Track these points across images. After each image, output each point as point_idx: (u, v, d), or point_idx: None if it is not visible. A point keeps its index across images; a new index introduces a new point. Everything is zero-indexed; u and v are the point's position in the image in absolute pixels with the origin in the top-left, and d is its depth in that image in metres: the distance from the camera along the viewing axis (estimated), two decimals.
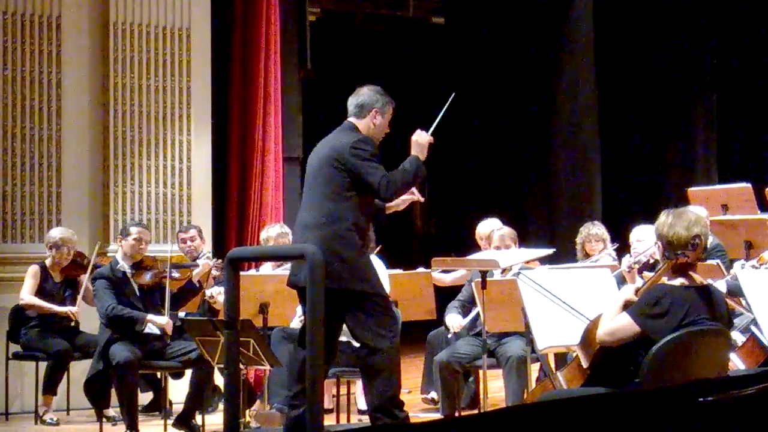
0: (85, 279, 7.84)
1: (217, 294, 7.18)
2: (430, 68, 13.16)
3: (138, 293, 7.15)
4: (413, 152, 5.69)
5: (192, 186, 8.88)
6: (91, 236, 8.50)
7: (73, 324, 7.78)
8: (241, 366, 6.04)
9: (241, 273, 3.89)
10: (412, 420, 6.00)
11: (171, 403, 7.63)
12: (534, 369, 6.89)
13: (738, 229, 7.62)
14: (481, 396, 6.83)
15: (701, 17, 12.44)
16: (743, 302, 5.84)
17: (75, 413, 8.02)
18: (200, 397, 7.04)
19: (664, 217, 4.75)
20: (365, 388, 5.69)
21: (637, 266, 6.73)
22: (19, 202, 8.40)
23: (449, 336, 7.28)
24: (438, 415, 7.15)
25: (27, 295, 7.81)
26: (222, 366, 6.26)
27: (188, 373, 7.29)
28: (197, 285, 7.41)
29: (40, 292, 7.83)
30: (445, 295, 7.88)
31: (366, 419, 7.32)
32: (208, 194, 9.01)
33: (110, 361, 6.83)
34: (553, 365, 7.06)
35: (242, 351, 5.79)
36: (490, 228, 7.69)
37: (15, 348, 7.91)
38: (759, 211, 8.08)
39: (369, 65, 12.81)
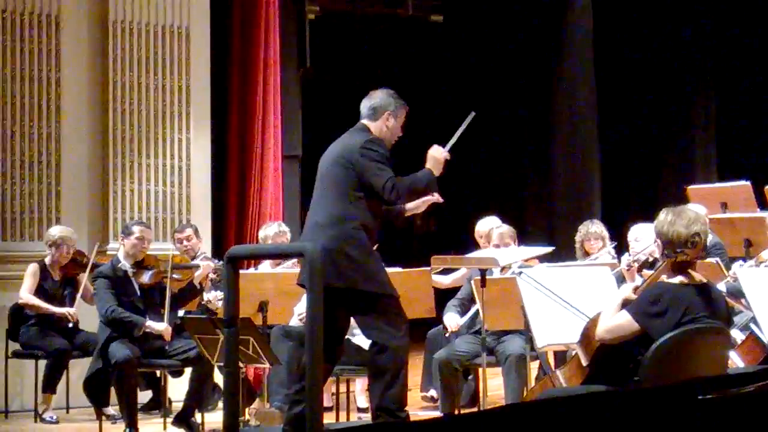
0: (84, 278, 7.84)
1: (214, 299, 7.17)
2: (428, 66, 13.16)
3: (139, 293, 7.14)
4: (428, 166, 5.68)
5: (191, 184, 8.88)
6: (91, 235, 8.50)
7: (71, 325, 7.78)
8: (241, 364, 6.04)
9: (241, 271, 3.89)
10: (412, 418, 6.00)
11: (170, 402, 7.63)
12: (533, 367, 6.90)
13: (737, 228, 7.63)
14: (481, 394, 6.83)
15: (701, 17, 12.44)
16: (743, 302, 5.85)
17: (74, 411, 8.02)
18: (200, 396, 7.04)
19: (664, 216, 4.75)
20: (371, 385, 5.69)
21: (636, 265, 6.74)
22: (18, 200, 8.40)
23: (446, 335, 7.29)
24: (437, 413, 7.15)
25: (26, 294, 7.80)
26: (221, 364, 6.26)
27: (188, 371, 7.29)
28: (198, 287, 7.41)
29: (40, 290, 7.83)
30: (444, 293, 7.88)
31: (365, 417, 7.33)
32: (207, 193, 9.01)
33: (109, 359, 6.83)
34: (552, 363, 7.06)
35: (242, 349, 5.79)
36: (490, 226, 7.69)
37: (15, 346, 7.91)
38: (758, 210, 8.08)
39: (368, 63, 12.82)
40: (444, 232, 14.16)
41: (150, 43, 8.76)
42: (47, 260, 7.91)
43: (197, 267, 7.41)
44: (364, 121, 5.73)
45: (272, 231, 7.87)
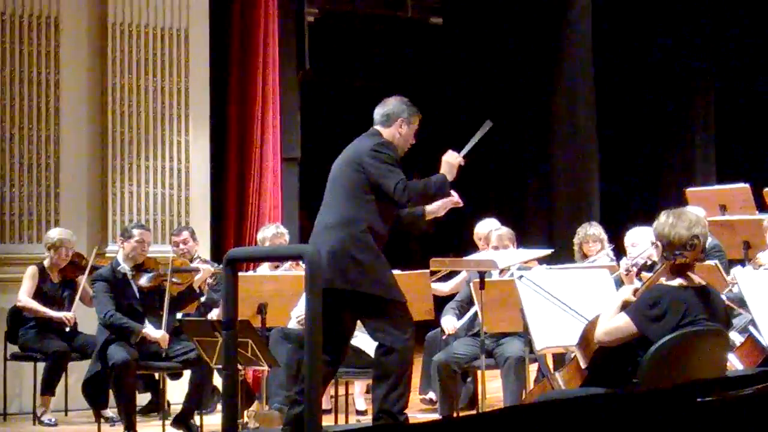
0: (83, 280, 7.83)
1: (217, 317, 7.19)
2: (428, 68, 13.15)
3: (138, 295, 7.14)
4: (442, 171, 5.67)
5: (190, 187, 8.88)
6: (90, 237, 8.50)
7: (68, 329, 7.77)
8: (239, 366, 6.04)
9: (240, 273, 3.89)
10: (410, 421, 5.99)
11: (169, 404, 7.62)
12: (532, 369, 6.89)
13: (736, 230, 7.63)
14: (479, 396, 6.83)
15: (701, 17, 12.44)
16: (745, 309, 5.84)
17: (73, 414, 8.02)
18: (198, 398, 7.03)
19: (665, 218, 4.75)
20: (374, 387, 5.68)
21: (635, 269, 6.72)
22: (17, 202, 8.40)
23: (444, 338, 7.28)
24: (436, 416, 7.15)
25: (24, 296, 7.80)
26: (220, 366, 6.26)
27: (186, 373, 7.29)
28: (198, 291, 7.40)
29: (39, 293, 7.83)
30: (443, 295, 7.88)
31: (364, 420, 7.33)
32: (206, 195, 9.01)
33: (108, 361, 6.83)
34: (551, 366, 7.06)
35: (240, 351, 5.79)
36: (488, 228, 7.69)
37: (13, 349, 7.90)
38: (757, 212, 8.08)
39: (367, 66, 12.81)
40: (443, 234, 14.15)
41: (149, 45, 8.76)
42: (46, 262, 7.91)
43: (197, 271, 7.40)
44: (377, 127, 5.74)
45: (270, 232, 7.87)
